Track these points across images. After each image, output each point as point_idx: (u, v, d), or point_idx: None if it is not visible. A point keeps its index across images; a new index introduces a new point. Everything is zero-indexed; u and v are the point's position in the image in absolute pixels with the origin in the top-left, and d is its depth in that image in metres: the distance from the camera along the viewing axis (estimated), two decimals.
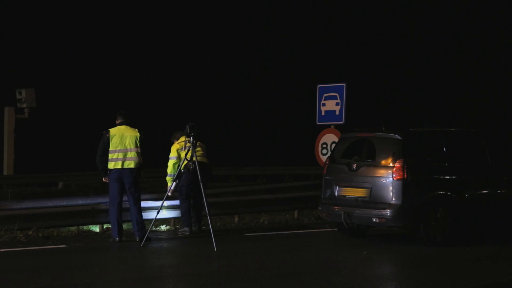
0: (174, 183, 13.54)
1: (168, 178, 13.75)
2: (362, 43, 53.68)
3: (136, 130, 12.93)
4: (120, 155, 12.71)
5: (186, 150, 13.08)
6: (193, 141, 12.67)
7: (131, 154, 12.75)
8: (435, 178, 12.79)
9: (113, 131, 12.83)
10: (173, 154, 13.71)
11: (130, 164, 12.73)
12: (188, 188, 13.54)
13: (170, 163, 13.70)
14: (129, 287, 9.14)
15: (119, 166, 12.67)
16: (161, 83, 49.52)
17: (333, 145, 15.77)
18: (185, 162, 13.20)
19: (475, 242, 13.33)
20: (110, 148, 12.72)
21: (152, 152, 13.62)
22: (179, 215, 14.09)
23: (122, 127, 12.91)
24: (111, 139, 12.72)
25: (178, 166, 13.38)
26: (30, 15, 48.79)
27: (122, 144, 12.72)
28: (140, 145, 12.83)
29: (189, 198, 13.62)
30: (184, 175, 13.52)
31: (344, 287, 9.46)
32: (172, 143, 13.91)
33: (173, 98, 47.20)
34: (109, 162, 12.74)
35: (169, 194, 13.40)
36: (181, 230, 13.82)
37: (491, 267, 11.06)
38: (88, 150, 14.25)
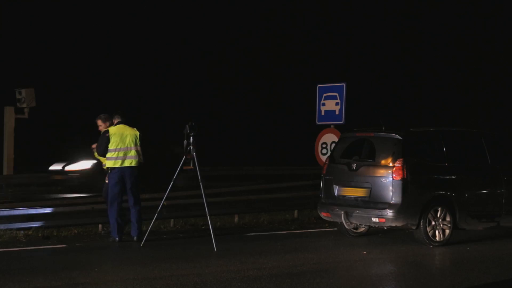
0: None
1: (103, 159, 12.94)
2: (362, 43, 53.67)
3: (135, 129, 12.97)
4: (121, 154, 12.75)
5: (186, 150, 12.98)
6: (193, 142, 12.63)
7: (132, 153, 12.79)
8: (435, 178, 12.80)
9: (112, 130, 12.87)
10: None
11: (132, 162, 12.76)
12: None
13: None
14: (129, 287, 9.14)
15: (118, 165, 12.70)
16: (161, 83, 49.53)
17: (333, 145, 15.76)
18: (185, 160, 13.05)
19: (475, 242, 13.32)
20: (110, 147, 12.76)
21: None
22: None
23: (121, 126, 12.94)
24: (111, 138, 12.75)
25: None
26: (30, 15, 48.81)
27: (123, 143, 12.76)
28: (139, 143, 12.88)
29: None
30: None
31: (344, 287, 9.46)
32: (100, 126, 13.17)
33: (173, 98, 47.21)
34: (108, 161, 12.77)
35: None
36: None
37: (492, 267, 11.05)
38: (88, 150, 14.21)
